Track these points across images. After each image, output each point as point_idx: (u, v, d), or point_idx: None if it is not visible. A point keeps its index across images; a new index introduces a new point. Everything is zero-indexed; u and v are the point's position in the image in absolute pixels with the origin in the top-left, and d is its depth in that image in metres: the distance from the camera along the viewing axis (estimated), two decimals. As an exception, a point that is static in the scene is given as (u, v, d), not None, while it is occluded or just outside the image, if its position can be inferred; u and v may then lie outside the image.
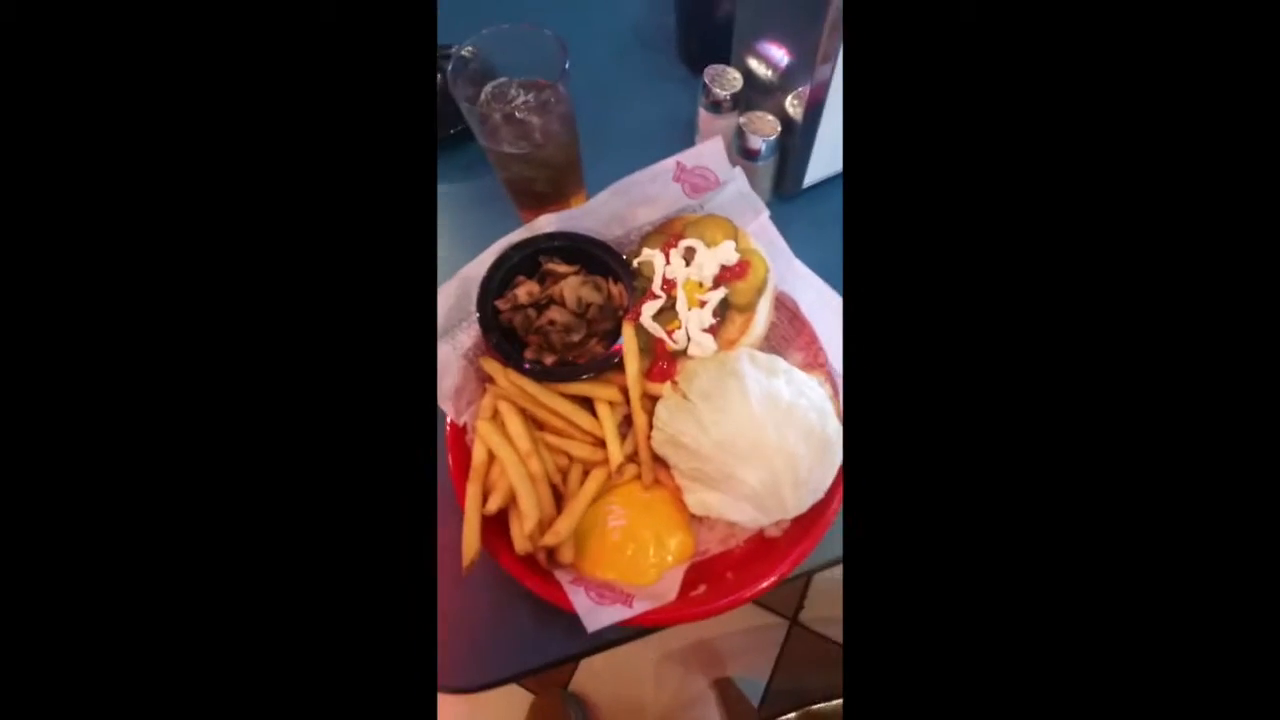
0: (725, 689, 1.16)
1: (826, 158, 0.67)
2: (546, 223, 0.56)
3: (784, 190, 0.69)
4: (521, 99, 0.57)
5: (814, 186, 0.70)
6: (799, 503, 0.48)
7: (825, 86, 0.57)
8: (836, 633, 1.20)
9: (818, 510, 0.50)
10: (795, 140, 0.63)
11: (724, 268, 0.53)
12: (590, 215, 0.56)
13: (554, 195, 0.62)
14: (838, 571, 1.23)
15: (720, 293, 0.53)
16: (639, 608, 0.47)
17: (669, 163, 0.54)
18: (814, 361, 0.56)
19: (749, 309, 0.54)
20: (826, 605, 1.22)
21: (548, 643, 0.53)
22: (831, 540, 0.51)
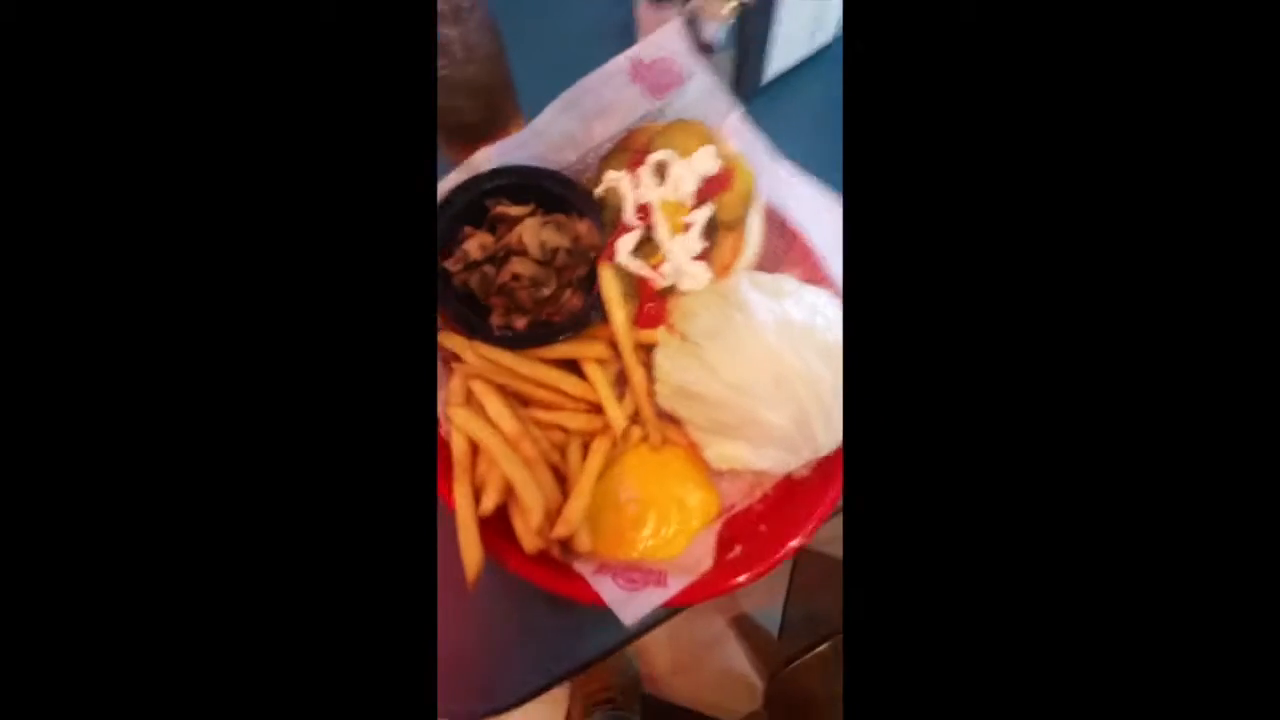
0: (743, 624, 1.15)
1: (789, 43, 0.58)
2: (485, 158, 0.47)
3: (744, 86, 0.60)
4: (426, 9, 0.46)
5: (776, 80, 0.62)
6: (833, 435, 0.42)
7: (784, -50, 0.48)
8: (841, 551, 1.20)
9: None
10: (753, 25, 0.54)
11: (705, 180, 0.45)
12: (536, 140, 0.46)
13: (488, 125, 0.52)
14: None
15: (706, 210, 0.45)
16: (675, 585, 0.41)
17: (622, 60, 0.45)
18: (814, 276, 0.49)
19: (738, 225, 0.46)
20: (827, 526, 1.22)
21: (579, 641, 0.47)
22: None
